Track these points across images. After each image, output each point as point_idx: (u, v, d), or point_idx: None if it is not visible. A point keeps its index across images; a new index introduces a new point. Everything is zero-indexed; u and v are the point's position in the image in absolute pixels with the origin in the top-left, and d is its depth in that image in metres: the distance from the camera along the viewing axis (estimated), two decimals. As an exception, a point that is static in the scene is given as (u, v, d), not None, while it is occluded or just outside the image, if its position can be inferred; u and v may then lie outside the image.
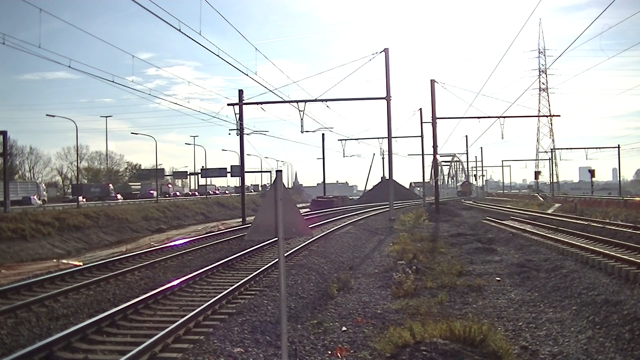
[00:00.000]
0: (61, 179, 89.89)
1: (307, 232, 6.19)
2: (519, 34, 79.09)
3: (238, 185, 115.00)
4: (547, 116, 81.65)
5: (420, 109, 46.63)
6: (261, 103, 29.44)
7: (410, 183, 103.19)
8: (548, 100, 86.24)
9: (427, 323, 7.45)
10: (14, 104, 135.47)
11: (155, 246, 22.02)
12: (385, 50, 27.66)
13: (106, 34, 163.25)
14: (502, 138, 59.50)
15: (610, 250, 14.59)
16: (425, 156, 53.39)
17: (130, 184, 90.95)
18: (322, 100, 28.20)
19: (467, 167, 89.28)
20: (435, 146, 38.56)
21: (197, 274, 12.99)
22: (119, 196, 69.34)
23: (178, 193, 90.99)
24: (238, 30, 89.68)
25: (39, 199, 54.65)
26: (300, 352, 7.29)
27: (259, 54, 61.15)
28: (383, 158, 67.40)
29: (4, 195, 41.49)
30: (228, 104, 31.98)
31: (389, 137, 29.89)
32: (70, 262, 21.92)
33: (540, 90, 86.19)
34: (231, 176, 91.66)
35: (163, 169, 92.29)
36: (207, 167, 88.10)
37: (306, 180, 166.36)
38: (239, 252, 16.82)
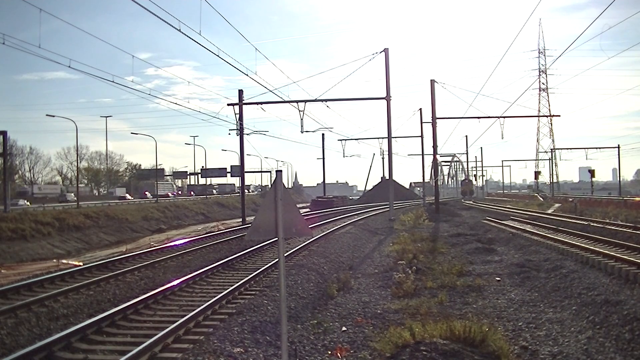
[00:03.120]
0: (61, 179, 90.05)
1: (307, 232, 6.19)
2: (519, 34, 79.21)
3: (258, 184, 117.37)
4: (547, 116, 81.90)
5: (420, 109, 46.67)
6: (261, 103, 29.45)
7: (410, 183, 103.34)
8: (548, 100, 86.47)
9: (427, 323, 7.44)
10: (13, 104, 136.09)
11: (155, 246, 22.01)
12: (385, 50, 27.63)
13: (106, 34, 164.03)
14: (502, 138, 59.41)
15: (610, 250, 14.58)
16: (425, 156, 53.45)
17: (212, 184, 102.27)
18: (322, 100, 28.20)
19: (467, 167, 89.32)
20: (435, 146, 38.58)
21: (197, 274, 13.00)
22: (128, 196, 73.21)
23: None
24: (238, 30, 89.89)
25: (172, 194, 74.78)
26: (300, 352, 7.29)
27: (259, 54, 60.93)
28: (383, 158, 67.55)
29: (4, 195, 41.49)
30: (228, 104, 32.00)
31: (389, 137, 29.87)
32: (70, 262, 21.89)
33: (540, 90, 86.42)
34: (231, 176, 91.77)
35: (163, 169, 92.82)
36: (207, 167, 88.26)
37: (306, 180, 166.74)
38: (239, 252, 16.82)
